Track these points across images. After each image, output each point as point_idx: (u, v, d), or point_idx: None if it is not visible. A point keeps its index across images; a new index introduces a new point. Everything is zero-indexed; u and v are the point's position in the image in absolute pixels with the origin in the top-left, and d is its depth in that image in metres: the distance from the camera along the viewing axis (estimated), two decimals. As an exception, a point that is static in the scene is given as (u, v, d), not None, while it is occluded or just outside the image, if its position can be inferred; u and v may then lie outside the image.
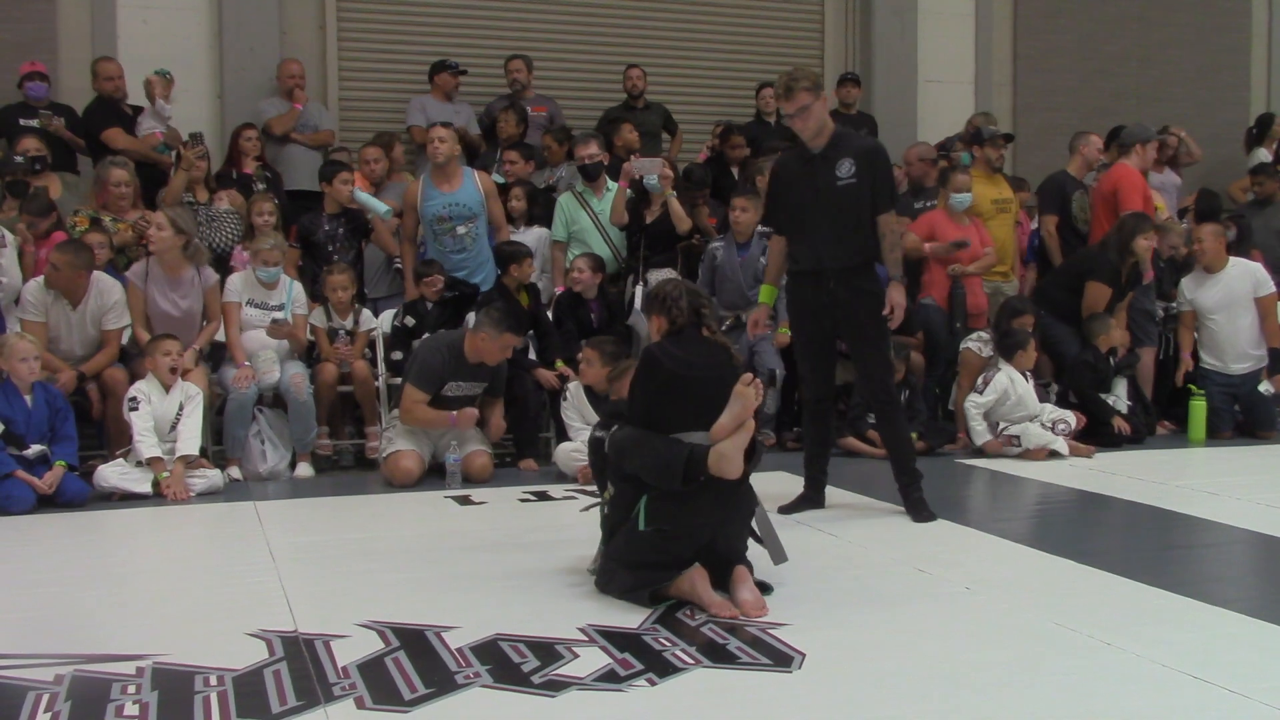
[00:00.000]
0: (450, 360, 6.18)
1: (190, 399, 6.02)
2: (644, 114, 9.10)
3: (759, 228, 7.15)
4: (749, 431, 3.71)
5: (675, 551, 3.75)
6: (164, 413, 5.94)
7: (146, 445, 5.81)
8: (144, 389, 5.93)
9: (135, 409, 5.87)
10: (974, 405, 6.93)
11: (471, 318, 7.05)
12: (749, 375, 3.79)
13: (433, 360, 6.19)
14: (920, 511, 5.12)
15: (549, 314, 7.26)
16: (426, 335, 6.67)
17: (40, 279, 6.25)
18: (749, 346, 7.07)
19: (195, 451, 5.97)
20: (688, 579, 3.69)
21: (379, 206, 7.24)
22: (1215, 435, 7.63)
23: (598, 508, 4.09)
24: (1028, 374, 7.09)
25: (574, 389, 6.39)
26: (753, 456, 3.77)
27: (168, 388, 5.98)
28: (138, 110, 7.90)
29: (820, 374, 5.33)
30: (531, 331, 7.11)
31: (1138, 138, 8.21)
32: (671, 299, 4.08)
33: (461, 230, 7.27)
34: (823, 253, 5.07)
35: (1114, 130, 8.99)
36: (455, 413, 6.19)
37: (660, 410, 3.87)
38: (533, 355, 7.09)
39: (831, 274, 5.06)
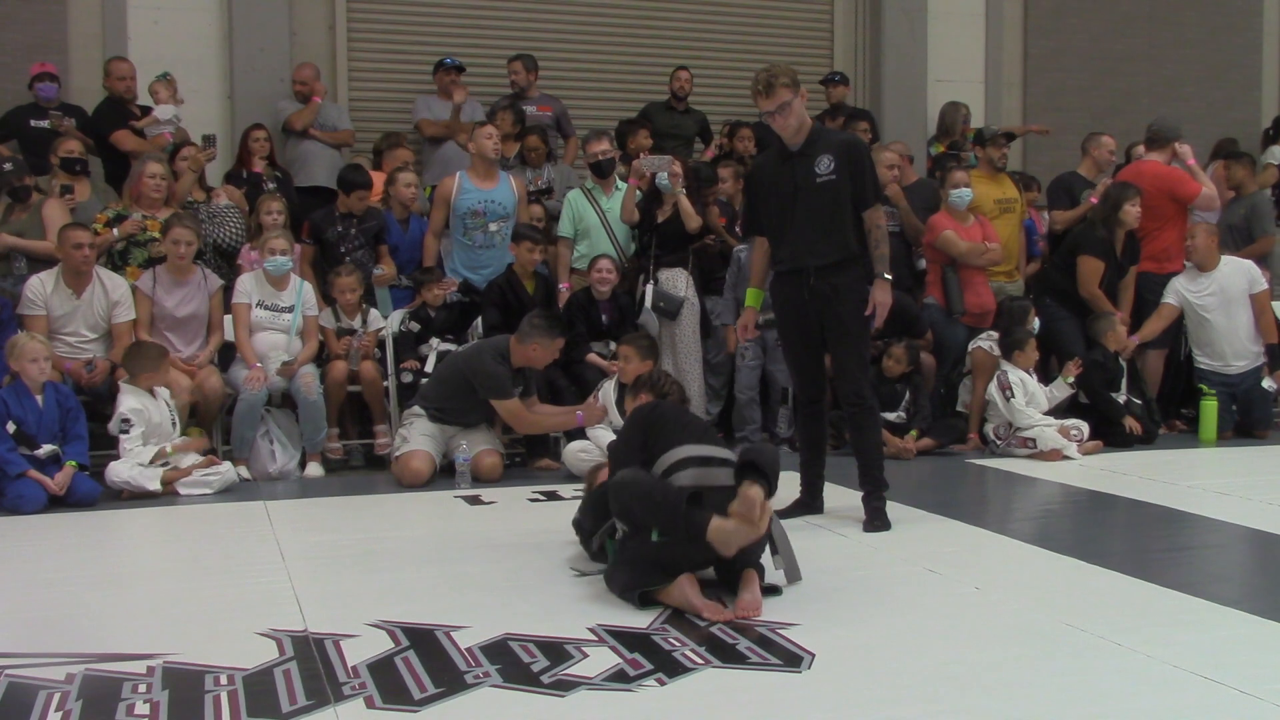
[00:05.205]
0: (506, 367, 6.25)
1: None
2: (682, 116, 9.06)
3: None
4: (758, 534, 3.67)
5: (685, 563, 3.72)
6: (160, 419, 5.96)
7: (134, 461, 5.77)
8: (135, 407, 5.85)
9: (126, 431, 5.81)
10: (1022, 414, 6.84)
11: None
12: (760, 491, 3.64)
13: (499, 369, 6.19)
14: (875, 520, 4.94)
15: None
16: (454, 349, 6.71)
17: (39, 276, 6.31)
18: (752, 354, 7.09)
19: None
20: (678, 587, 3.66)
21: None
22: (1218, 436, 7.56)
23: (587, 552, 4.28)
24: (1031, 371, 7.11)
25: (607, 388, 6.39)
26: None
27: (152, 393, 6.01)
28: (146, 111, 7.89)
29: (808, 375, 5.25)
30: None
31: (1176, 134, 7.99)
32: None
33: (493, 228, 7.34)
34: (803, 250, 4.98)
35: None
36: (581, 410, 6.30)
37: (650, 429, 4.07)
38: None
39: (812, 271, 4.98)
